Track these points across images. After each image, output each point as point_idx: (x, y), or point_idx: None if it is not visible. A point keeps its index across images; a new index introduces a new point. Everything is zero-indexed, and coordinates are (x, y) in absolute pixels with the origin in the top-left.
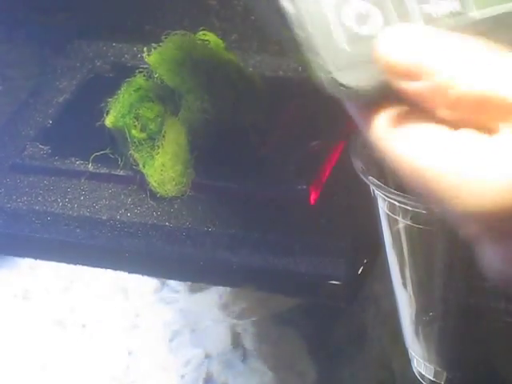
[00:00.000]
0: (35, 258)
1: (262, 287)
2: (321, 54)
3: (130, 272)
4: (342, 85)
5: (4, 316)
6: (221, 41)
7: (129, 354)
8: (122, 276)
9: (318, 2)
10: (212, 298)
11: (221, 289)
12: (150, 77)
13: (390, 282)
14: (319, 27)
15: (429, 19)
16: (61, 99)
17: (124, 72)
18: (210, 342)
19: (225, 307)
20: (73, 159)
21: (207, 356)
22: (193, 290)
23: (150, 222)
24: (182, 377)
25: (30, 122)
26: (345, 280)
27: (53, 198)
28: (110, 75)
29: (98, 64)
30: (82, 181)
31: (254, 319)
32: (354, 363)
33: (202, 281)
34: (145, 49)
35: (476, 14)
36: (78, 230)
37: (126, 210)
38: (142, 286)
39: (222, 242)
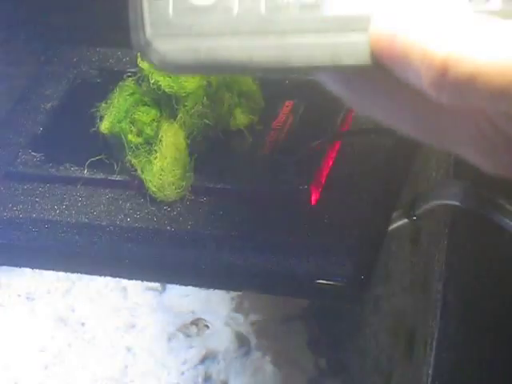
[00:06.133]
0: (33, 267)
1: (265, 289)
2: (144, 13)
3: (130, 278)
4: (155, 51)
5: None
6: None
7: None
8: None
9: None
10: (214, 298)
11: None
12: (140, 81)
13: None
14: None
15: (273, 6)
16: (48, 106)
17: (111, 77)
18: (212, 342)
19: (228, 308)
20: (67, 165)
21: (209, 355)
22: (193, 290)
23: (150, 226)
24: (182, 373)
25: (20, 130)
26: (348, 280)
27: (49, 206)
28: (98, 80)
29: (84, 69)
30: (79, 187)
31: (258, 320)
32: (356, 362)
33: (204, 285)
34: (138, 54)
35: (330, 11)
36: (76, 237)
37: (125, 215)
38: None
39: (223, 245)
